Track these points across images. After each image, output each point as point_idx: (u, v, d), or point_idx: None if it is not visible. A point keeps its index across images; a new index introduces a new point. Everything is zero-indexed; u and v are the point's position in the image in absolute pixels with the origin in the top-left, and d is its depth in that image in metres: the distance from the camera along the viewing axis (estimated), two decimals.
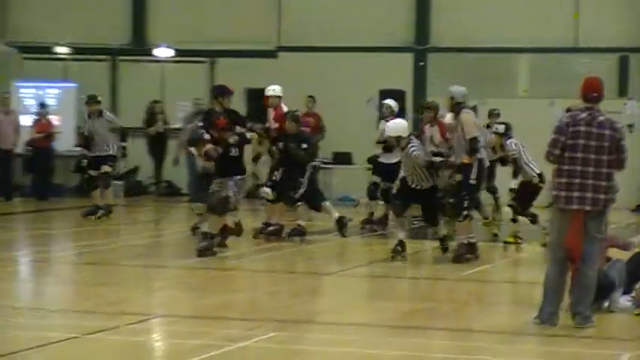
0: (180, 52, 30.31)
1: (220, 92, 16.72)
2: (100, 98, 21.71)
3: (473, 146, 15.93)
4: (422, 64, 30.56)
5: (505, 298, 14.80)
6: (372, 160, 20.73)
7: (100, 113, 21.72)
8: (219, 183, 16.15)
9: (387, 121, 18.76)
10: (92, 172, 21.40)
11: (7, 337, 10.36)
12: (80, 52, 30.66)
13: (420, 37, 30.65)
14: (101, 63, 31.05)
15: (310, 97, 26.72)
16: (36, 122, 27.24)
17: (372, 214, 20.64)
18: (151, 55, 30.46)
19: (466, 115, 15.95)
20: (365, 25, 29.92)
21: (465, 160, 16.00)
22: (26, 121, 27.84)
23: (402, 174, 16.48)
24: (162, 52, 30.26)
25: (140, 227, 23.77)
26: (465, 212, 16.16)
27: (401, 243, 16.22)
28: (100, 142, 21.20)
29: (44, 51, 31.00)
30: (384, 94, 26.27)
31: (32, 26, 31.04)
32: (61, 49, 30.60)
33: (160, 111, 27.78)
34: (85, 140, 22.58)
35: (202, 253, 16.01)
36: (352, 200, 25.27)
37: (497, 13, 29.61)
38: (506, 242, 18.13)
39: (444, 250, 16.30)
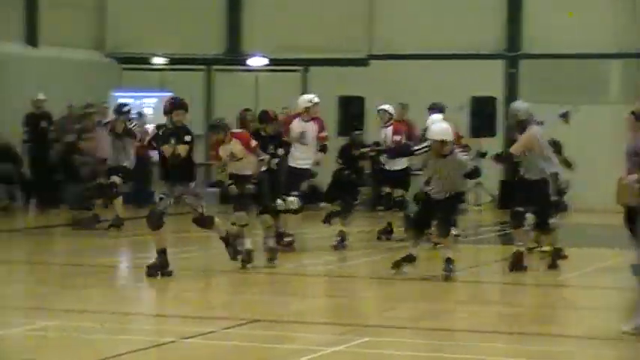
0: (273, 61, 30.55)
1: (174, 106, 15.19)
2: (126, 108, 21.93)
3: (505, 159, 16.89)
4: (513, 71, 30.54)
5: (596, 303, 14.35)
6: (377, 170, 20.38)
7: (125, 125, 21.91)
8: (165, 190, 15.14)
9: (387, 127, 19.11)
10: (102, 181, 21.49)
11: (107, 342, 10.48)
12: (176, 62, 31.35)
13: (511, 44, 30.63)
14: (197, 72, 31.51)
15: (401, 104, 26.23)
16: (133, 124, 27.45)
17: (389, 224, 19.87)
18: (245, 64, 30.90)
19: (527, 134, 15.51)
20: (456, 32, 29.91)
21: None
22: None
23: (426, 188, 15.59)
24: (256, 62, 30.59)
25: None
26: (552, 224, 15.91)
27: (410, 257, 15.26)
28: (116, 153, 21.37)
29: (142, 62, 31.59)
30: (476, 101, 28.11)
31: (130, 38, 31.57)
32: (158, 60, 31.28)
33: (252, 119, 26.60)
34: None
35: (150, 272, 14.77)
36: None
37: (588, 19, 29.42)
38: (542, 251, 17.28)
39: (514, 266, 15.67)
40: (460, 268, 15.87)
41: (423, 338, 11.47)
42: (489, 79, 29.53)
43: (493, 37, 30.48)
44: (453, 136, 15.37)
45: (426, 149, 14.85)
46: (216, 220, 15.36)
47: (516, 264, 15.77)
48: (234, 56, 31.24)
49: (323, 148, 18.30)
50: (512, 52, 30.65)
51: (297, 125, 18.22)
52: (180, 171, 14.99)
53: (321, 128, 18.29)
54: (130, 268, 18.01)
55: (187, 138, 14.81)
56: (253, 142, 15.53)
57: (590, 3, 29.83)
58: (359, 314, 13.11)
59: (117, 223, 21.03)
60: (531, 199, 15.96)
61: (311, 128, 18.12)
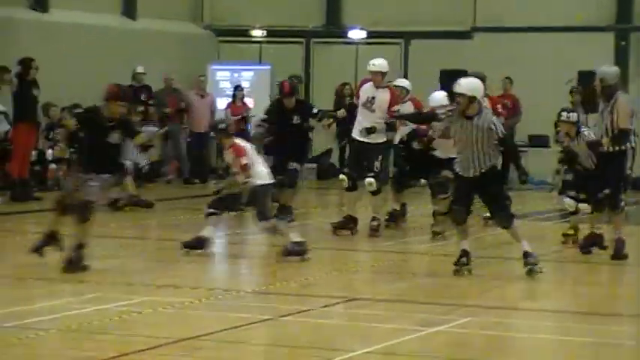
0: (373, 34, 29.99)
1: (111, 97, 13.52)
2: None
3: (622, 137, 14.60)
4: (623, 43, 29.38)
5: None
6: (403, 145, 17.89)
7: None
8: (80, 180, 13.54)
9: (404, 102, 17.45)
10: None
11: (203, 319, 10.44)
12: (274, 34, 31.07)
13: (621, 15, 29.43)
14: (295, 45, 31.33)
15: (507, 78, 26.32)
16: (230, 105, 27.11)
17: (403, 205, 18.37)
18: (344, 37, 30.61)
19: (621, 101, 14.39)
20: (562, 3, 29.09)
21: (605, 144, 14.44)
22: (221, 104, 28.33)
23: (456, 168, 13.39)
24: (356, 34, 30.28)
25: (330, 211, 22.90)
26: (622, 204, 14.90)
27: (465, 253, 13.63)
28: None
29: (239, 34, 31.55)
30: (583, 75, 25.71)
31: (228, 10, 31.66)
32: (256, 32, 31.05)
33: (349, 94, 27.03)
34: None
35: (69, 267, 12.89)
36: (548, 184, 23.73)
37: None
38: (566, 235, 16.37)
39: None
40: (558, 248, 15.66)
41: (523, 319, 11.30)
42: (598, 53, 27.57)
43: (603, 8, 29.28)
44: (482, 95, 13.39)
45: (450, 112, 13.03)
46: None
47: (594, 244, 14.87)
48: (333, 29, 30.88)
49: (390, 126, 16.91)
50: (622, 24, 29.34)
51: (366, 89, 16.66)
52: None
53: (393, 101, 16.65)
54: (226, 244, 17.30)
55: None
56: (243, 161, 14.03)
57: None
58: (462, 294, 12.45)
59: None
60: (611, 173, 14.68)
61: (382, 97, 16.50)
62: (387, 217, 17.49)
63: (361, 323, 10.88)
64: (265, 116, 19.04)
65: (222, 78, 30.01)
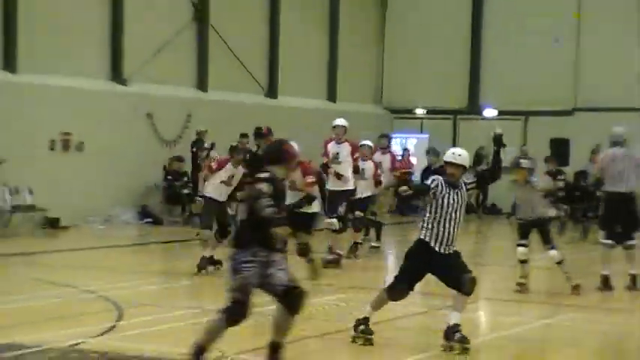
0: (502, 112, 32.56)
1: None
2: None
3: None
4: None
5: None
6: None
7: None
8: None
9: (365, 160, 18.33)
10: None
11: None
12: (431, 112, 34.21)
13: None
14: (446, 120, 34.15)
15: (597, 145, 24.84)
16: (400, 161, 27.68)
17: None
18: (481, 114, 33.29)
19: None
20: None
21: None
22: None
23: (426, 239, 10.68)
24: (489, 113, 33.11)
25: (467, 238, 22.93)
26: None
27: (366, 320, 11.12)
28: None
29: (407, 112, 34.51)
30: None
31: (399, 95, 34.60)
32: (419, 111, 34.30)
33: (486, 154, 29.62)
34: None
35: None
36: None
37: None
38: None
39: None
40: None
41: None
42: None
43: None
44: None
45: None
46: None
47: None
48: (473, 108, 33.74)
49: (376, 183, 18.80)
50: None
51: (330, 147, 17.79)
52: None
53: (354, 150, 17.85)
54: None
55: None
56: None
57: None
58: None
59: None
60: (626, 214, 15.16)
61: (345, 150, 17.65)
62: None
63: (492, 317, 13.32)
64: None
65: (395, 144, 30.95)
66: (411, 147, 32.52)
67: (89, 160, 20.75)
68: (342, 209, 17.51)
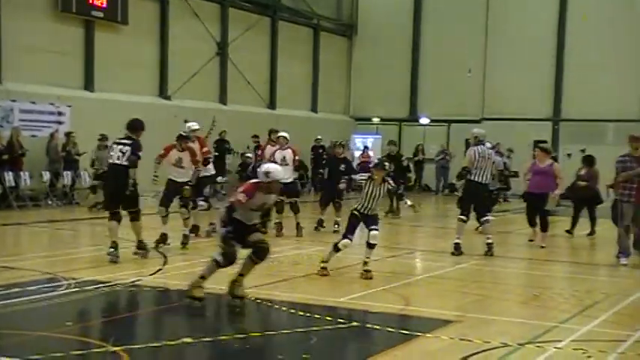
0: (433, 120, 31.62)
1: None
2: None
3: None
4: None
5: None
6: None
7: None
8: None
9: (284, 149, 16.01)
10: None
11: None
12: (383, 120, 33.39)
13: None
14: (393, 126, 33.16)
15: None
16: (362, 155, 30.61)
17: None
18: (418, 122, 32.43)
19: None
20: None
21: None
22: (357, 154, 31.31)
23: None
24: (424, 120, 32.25)
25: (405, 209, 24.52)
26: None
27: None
28: None
29: (367, 119, 33.94)
30: None
31: (361, 107, 34.08)
32: (375, 119, 33.81)
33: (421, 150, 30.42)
34: None
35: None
36: None
37: None
38: None
39: None
40: None
41: None
42: None
43: None
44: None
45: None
46: None
47: None
48: (412, 117, 33.14)
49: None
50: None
51: (277, 154, 15.92)
52: None
53: (294, 154, 16.08)
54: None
55: None
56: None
57: None
58: None
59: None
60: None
61: (288, 154, 15.97)
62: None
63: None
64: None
65: (357, 141, 32.87)
66: (369, 145, 32.42)
67: (144, 152, 20.75)
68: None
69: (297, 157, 16.21)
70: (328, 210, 17.28)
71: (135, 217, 12.35)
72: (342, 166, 16.79)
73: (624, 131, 18.25)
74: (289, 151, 16.08)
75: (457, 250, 13.85)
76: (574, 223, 17.61)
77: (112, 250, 11.92)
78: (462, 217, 14.00)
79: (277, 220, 15.90)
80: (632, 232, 13.30)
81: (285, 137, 16.20)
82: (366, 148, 31.92)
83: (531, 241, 15.75)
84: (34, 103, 21.57)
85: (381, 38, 33.27)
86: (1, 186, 19.65)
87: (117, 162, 12.07)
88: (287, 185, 14.62)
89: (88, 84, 23.34)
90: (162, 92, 25.91)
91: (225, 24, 28.09)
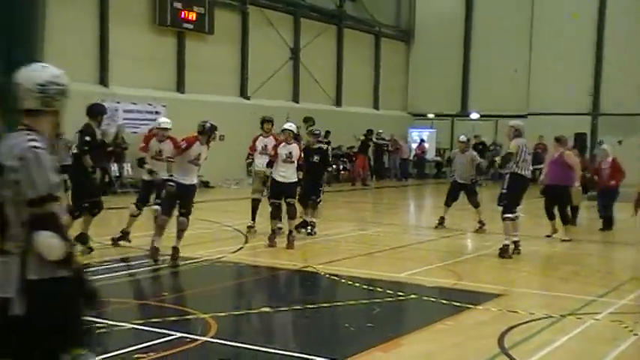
0: (482, 115, 31.24)
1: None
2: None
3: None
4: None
5: None
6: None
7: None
8: None
9: (290, 144, 11.95)
10: None
11: None
12: (438, 116, 32.89)
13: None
14: (446, 121, 32.65)
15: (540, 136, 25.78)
16: (417, 147, 31.03)
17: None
18: (468, 117, 31.84)
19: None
20: None
21: None
22: (413, 146, 31.50)
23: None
24: (474, 115, 31.71)
25: None
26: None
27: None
28: None
29: (422, 115, 33.36)
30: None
31: (417, 104, 33.49)
32: (430, 115, 33.12)
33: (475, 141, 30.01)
34: None
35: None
36: None
37: None
38: None
39: None
40: None
41: None
42: None
43: None
44: None
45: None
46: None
47: None
48: (463, 112, 32.52)
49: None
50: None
51: (280, 148, 11.96)
52: None
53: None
54: None
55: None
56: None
57: None
58: None
59: None
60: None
61: (295, 150, 11.99)
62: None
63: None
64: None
65: (414, 135, 32.67)
66: (425, 137, 32.47)
67: (227, 146, 20.83)
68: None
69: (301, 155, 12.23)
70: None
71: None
72: (316, 157, 13.02)
73: None
74: (295, 146, 12.17)
75: (517, 248, 11.52)
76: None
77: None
78: (510, 215, 11.39)
79: (275, 227, 12.05)
80: None
81: (290, 130, 12.16)
82: (422, 140, 31.94)
83: (548, 236, 13.49)
84: (134, 103, 21.94)
85: (435, 43, 32.97)
86: (108, 175, 20.13)
87: None
88: (289, 186, 11.96)
89: (180, 86, 23.71)
90: (243, 93, 26.06)
91: (297, 32, 28.24)
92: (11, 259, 3.43)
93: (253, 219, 13.21)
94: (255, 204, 13.13)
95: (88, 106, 10.68)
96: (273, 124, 13.21)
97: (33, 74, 3.54)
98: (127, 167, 20.92)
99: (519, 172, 11.25)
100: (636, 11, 28.89)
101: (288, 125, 12.24)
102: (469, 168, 14.31)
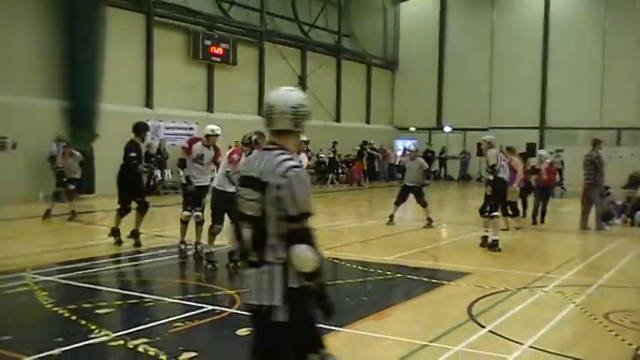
0: (456, 129, 30.37)
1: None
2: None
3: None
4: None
5: None
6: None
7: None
8: None
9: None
10: None
11: None
12: (418, 129, 31.95)
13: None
14: (424, 133, 31.69)
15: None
16: (402, 155, 28.64)
17: None
18: (442, 130, 30.94)
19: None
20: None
21: None
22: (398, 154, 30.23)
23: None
24: (447, 129, 30.64)
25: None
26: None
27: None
28: None
29: (405, 129, 32.36)
30: None
31: (402, 118, 32.62)
32: (411, 128, 32.17)
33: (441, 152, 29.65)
34: None
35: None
36: None
37: None
38: None
39: None
40: None
41: None
42: None
43: None
44: None
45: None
46: None
47: None
48: (438, 125, 31.72)
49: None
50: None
51: (197, 148, 9.40)
52: None
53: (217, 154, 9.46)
54: None
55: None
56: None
57: None
58: None
59: None
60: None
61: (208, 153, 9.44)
62: None
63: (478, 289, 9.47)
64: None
65: (399, 144, 31.65)
66: (407, 146, 30.23)
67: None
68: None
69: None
70: None
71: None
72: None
73: (590, 135, 17.15)
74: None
75: (495, 246, 10.53)
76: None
77: None
78: (496, 213, 10.65)
79: None
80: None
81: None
82: (405, 149, 30.62)
83: (505, 229, 12.58)
84: (173, 122, 21.86)
85: (415, 71, 32.57)
86: (153, 179, 20.02)
87: None
88: None
89: (210, 107, 23.53)
90: (260, 112, 24.98)
91: (304, 62, 28.03)
92: (273, 269, 3.13)
93: None
94: None
95: (133, 124, 10.43)
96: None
97: (285, 97, 3.20)
98: (168, 173, 20.75)
99: (502, 176, 10.57)
100: (577, 34, 28.53)
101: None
102: (418, 172, 13.32)
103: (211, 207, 8.70)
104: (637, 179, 20.48)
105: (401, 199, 13.49)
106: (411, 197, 13.39)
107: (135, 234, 10.43)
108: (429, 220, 13.28)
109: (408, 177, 13.41)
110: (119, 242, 10.36)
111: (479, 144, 11.30)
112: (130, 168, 10.25)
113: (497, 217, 10.66)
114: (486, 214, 10.70)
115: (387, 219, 13.50)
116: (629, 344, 5.79)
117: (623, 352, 5.55)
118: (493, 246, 10.51)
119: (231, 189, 8.12)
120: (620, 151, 26.17)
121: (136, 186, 10.47)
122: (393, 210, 13.52)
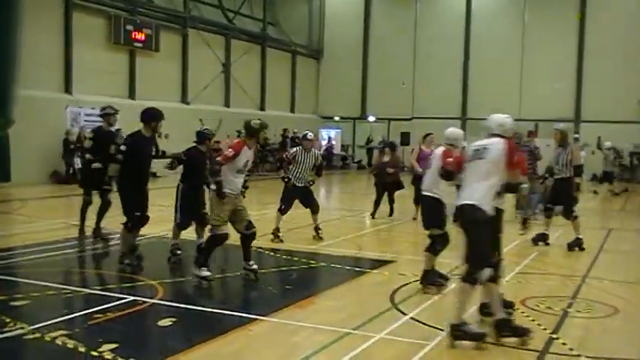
0: (379, 119, 30.85)
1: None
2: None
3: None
4: None
5: None
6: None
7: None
8: None
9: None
10: None
11: None
12: (342, 118, 32.06)
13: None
14: (349, 123, 32.01)
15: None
16: (326, 143, 30.70)
17: None
18: (366, 119, 31.43)
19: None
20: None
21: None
22: (323, 142, 30.98)
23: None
24: (371, 118, 31.04)
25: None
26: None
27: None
28: None
29: (330, 118, 32.50)
30: None
31: (326, 108, 32.64)
32: (336, 117, 32.31)
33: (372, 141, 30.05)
34: None
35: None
36: None
37: None
38: None
39: None
40: None
41: None
42: None
43: None
44: None
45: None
46: None
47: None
48: (362, 116, 31.95)
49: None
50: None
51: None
52: None
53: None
54: None
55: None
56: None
57: None
58: None
59: None
60: None
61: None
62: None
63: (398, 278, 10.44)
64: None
65: (324, 134, 32.36)
66: (332, 135, 32.28)
67: (170, 142, 19.89)
68: None
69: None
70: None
71: None
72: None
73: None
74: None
75: (580, 245, 10.14)
76: (376, 207, 13.57)
77: None
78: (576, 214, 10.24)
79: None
80: None
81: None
82: (330, 138, 31.84)
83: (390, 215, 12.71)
84: (93, 108, 20.66)
85: (340, 59, 32.57)
86: (72, 168, 19.46)
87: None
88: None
89: (132, 94, 23.04)
90: (184, 99, 25.45)
91: (228, 50, 27.70)
92: None
93: None
94: None
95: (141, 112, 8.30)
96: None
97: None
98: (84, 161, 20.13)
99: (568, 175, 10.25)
100: (498, 26, 29.15)
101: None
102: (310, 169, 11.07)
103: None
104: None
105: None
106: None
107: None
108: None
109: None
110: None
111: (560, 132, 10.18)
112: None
113: (577, 217, 10.26)
114: (569, 215, 10.18)
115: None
116: (544, 329, 5.95)
117: (538, 337, 5.70)
118: (578, 245, 10.13)
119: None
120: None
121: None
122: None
